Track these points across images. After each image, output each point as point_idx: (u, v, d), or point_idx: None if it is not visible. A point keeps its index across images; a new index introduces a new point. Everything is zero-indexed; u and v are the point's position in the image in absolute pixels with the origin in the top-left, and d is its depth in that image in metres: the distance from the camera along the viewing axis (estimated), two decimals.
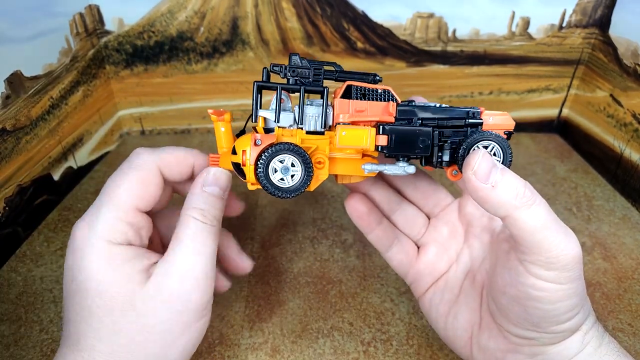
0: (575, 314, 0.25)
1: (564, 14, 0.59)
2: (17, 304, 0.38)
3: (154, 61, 0.60)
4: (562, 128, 0.67)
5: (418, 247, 0.34)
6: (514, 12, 0.59)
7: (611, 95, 0.57)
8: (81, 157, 0.55)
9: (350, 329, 0.36)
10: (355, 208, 0.33)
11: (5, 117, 0.42)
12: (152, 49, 0.59)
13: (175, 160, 0.29)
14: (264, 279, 0.41)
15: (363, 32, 0.60)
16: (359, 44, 0.60)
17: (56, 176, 0.50)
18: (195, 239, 0.27)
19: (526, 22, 0.59)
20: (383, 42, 0.60)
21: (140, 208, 0.27)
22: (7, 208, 0.42)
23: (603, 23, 0.59)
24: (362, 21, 0.59)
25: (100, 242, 0.25)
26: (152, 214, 0.30)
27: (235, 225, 0.47)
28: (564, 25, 0.60)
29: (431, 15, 0.59)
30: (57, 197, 0.50)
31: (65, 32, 0.51)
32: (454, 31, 0.60)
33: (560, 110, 0.67)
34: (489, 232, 0.31)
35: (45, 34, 0.47)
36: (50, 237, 0.45)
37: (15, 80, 0.43)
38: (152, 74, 0.60)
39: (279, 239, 0.46)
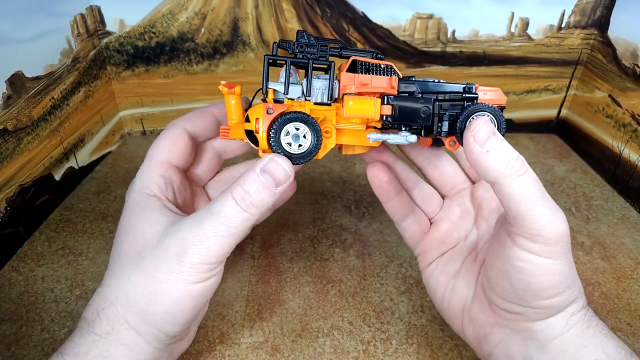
0: (558, 292, 0.26)
1: (563, 15, 0.59)
2: (18, 304, 0.38)
3: (154, 62, 0.60)
4: (561, 128, 0.68)
5: (431, 223, 0.36)
6: (513, 13, 0.59)
7: (610, 95, 0.57)
8: (82, 158, 0.55)
9: (350, 328, 0.37)
10: (376, 175, 0.33)
11: (7, 118, 0.42)
12: (153, 50, 0.59)
13: (195, 116, 0.33)
14: (264, 279, 0.41)
15: (363, 33, 0.60)
16: (359, 45, 0.60)
17: (57, 176, 0.50)
18: (220, 217, 0.26)
19: (525, 23, 0.60)
20: (383, 43, 0.60)
21: (172, 162, 0.31)
22: (8, 208, 0.42)
23: (602, 24, 0.59)
24: (361, 22, 0.59)
25: (134, 193, 0.29)
26: (200, 182, 0.35)
27: None
28: (563, 26, 0.60)
29: (431, 16, 0.59)
30: (58, 197, 0.51)
31: (66, 33, 0.51)
32: (454, 32, 0.60)
33: (559, 111, 0.67)
34: (496, 214, 0.32)
35: (47, 34, 0.48)
36: (51, 237, 0.46)
37: (17, 81, 0.43)
38: (153, 75, 0.61)
39: (279, 238, 0.46)
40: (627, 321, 0.38)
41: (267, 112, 0.27)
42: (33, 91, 0.45)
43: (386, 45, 0.61)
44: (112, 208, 0.50)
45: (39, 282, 0.40)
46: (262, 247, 0.45)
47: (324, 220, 0.49)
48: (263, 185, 0.26)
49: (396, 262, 0.43)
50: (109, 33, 0.57)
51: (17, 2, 0.43)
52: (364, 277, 0.42)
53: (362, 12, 0.58)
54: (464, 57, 0.62)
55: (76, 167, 0.54)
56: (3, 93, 0.41)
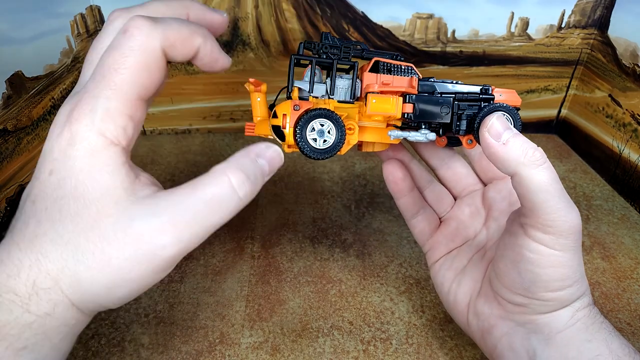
0: (565, 285, 0.26)
1: (563, 15, 0.59)
2: None
3: None
4: (561, 128, 0.68)
5: (440, 222, 0.37)
6: (513, 13, 0.59)
7: (610, 95, 0.57)
8: None
9: (350, 328, 0.37)
10: (391, 172, 0.35)
11: (7, 118, 0.42)
12: None
13: (181, 41, 0.23)
14: (264, 279, 0.41)
15: (363, 33, 0.60)
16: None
17: None
18: (214, 203, 0.22)
19: (525, 23, 0.59)
20: (383, 42, 0.60)
21: (143, 98, 0.23)
22: (8, 208, 0.42)
23: (602, 23, 0.59)
24: (361, 22, 0.59)
25: (93, 135, 0.21)
26: None
27: (235, 225, 0.47)
28: (563, 25, 0.60)
29: (430, 16, 0.59)
30: None
31: (66, 33, 0.51)
32: (454, 32, 0.60)
33: (559, 111, 0.67)
34: (507, 216, 0.32)
35: (47, 34, 0.48)
36: None
37: (17, 81, 0.43)
38: None
39: (279, 238, 0.46)
40: (627, 321, 0.38)
41: (294, 109, 0.28)
42: (33, 91, 0.45)
43: (386, 45, 0.61)
44: None
45: None
46: (262, 247, 0.45)
47: (324, 220, 0.49)
48: (261, 172, 0.24)
49: (396, 262, 0.43)
50: None
51: (17, 2, 0.43)
52: (364, 277, 0.42)
53: (362, 12, 0.58)
54: (464, 57, 0.62)
55: None
56: (3, 93, 0.41)
